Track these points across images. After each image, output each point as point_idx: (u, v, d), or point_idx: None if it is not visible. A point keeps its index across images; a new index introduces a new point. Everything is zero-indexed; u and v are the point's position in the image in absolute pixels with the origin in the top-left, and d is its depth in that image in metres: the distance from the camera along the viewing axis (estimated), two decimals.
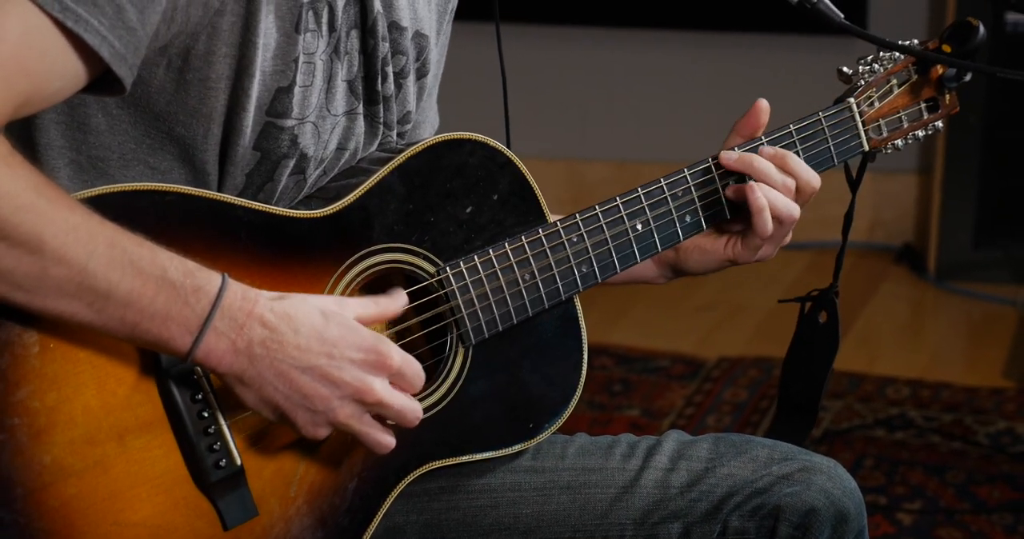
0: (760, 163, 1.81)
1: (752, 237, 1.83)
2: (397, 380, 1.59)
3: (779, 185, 1.81)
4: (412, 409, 1.60)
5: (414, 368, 1.60)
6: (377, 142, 1.77)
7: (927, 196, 4.24)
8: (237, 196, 1.66)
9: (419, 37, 1.78)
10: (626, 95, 4.42)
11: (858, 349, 3.82)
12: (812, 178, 1.82)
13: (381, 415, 1.59)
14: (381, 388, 1.57)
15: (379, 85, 1.73)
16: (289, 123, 1.66)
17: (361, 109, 1.73)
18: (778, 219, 1.80)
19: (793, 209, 1.80)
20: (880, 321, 4.01)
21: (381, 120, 1.75)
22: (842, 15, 1.75)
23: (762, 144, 1.83)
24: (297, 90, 1.65)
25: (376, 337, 1.58)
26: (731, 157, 1.82)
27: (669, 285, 1.98)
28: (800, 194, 1.82)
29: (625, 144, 4.44)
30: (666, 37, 4.36)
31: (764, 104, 1.84)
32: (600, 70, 4.41)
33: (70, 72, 1.49)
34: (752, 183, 1.80)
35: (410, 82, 1.78)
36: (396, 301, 1.64)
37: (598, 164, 4.45)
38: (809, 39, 4.07)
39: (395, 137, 1.78)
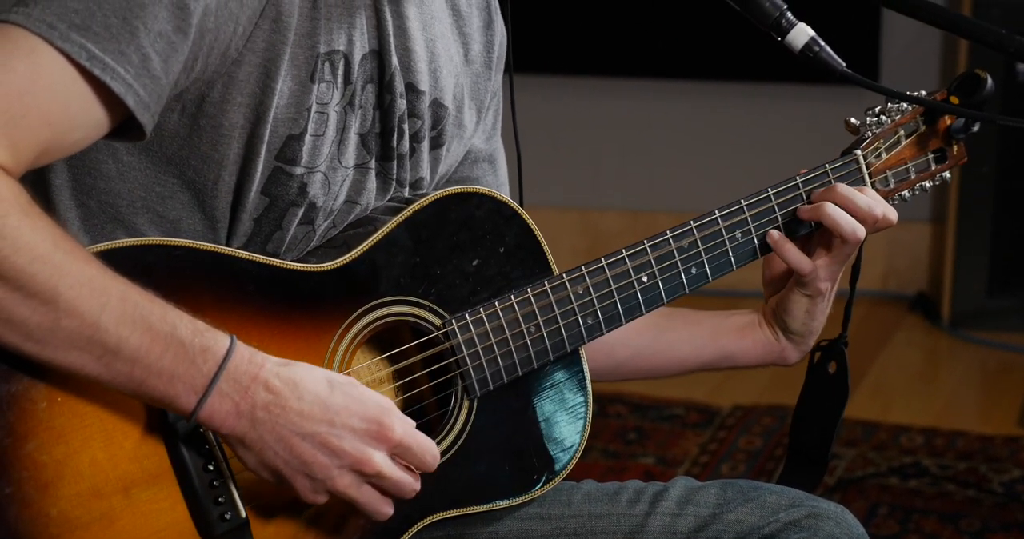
0: (841, 188, 1.82)
1: (837, 247, 1.83)
2: (402, 452, 1.59)
3: (862, 208, 1.81)
4: (409, 483, 1.60)
5: (423, 444, 1.60)
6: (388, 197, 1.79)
7: (940, 245, 4.24)
8: (246, 243, 1.68)
9: (437, 106, 1.79)
10: (640, 144, 4.43)
11: (872, 397, 3.81)
12: (890, 212, 1.84)
13: (380, 486, 1.60)
14: (380, 460, 1.57)
15: (394, 141, 1.75)
16: (298, 171, 1.67)
17: (373, 164, 1.75)
18: (844, 239, 1.81)
19: (858, 229, 1.81)
20: (894, 369, 4.01)
21: (394, 176, 1.76)
22: (844, 64, 1.76)
23: (769, 195, 1.85)
24: (308, 138, 1.67)
25: (380, 409, 1.58)
26: (805, 208, 1.83)
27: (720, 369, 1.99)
28: (876, 223, 1.83)
29: (639, 193, 4.45)
30: (680, 87, 4.37)
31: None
32: (614, 120, 4.42)
33: (93, 121, 1.51)
34: (824, 208, 1.81)
35: (424, 148, 1.79)
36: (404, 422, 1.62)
37: (612, 213, 4.46)
38: (820, 89, 4.09)
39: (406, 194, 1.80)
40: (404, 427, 1.59)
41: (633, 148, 4.44)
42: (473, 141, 1.87)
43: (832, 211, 1.81)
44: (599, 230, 4.45)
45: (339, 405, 1.56)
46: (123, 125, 1.53)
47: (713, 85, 4.36)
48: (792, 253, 1.84)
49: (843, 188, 1.83)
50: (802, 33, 1.74)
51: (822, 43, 1.75)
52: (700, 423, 3.68)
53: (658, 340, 1.91)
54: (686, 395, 3.81)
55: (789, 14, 1.74)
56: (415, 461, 1.60)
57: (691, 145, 4.41)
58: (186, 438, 1.57)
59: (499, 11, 1.86)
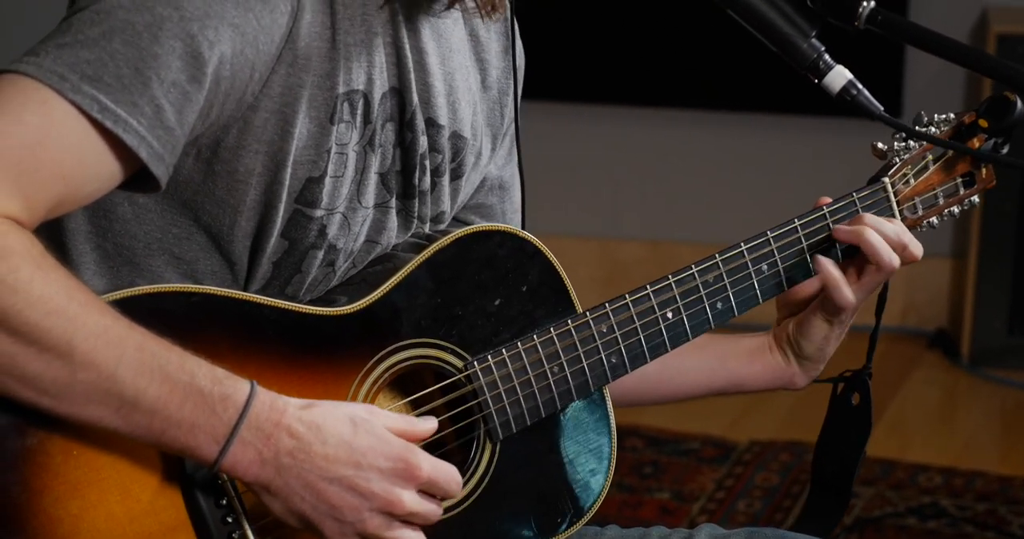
0: (870, 219, 1.82)
1: (870, 274, 1.81)
2: (429, 488, 1.58)
3: (891, 236, 1.81)
4: (436, 512, 1.59)
5: (448, 474, 1.59)
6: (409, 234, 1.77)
7: (961, 281, 4.22)
8: (265, 286, 1.66)
9: (456, 138, 1.77)
10: (659, 174, 4.42)
11: (890, 435, 3.79)
12: (918, 250, 1.83)
13: (409, 521, 1.58)
14: (409, 500, 1.56)
15: (416, 178, 1.73)
16: (318, 213, 1.66)
17: (394, 203, 1.73)
18: (879, 266, 1.80)
19: (894, 259, 1.80)
20: (912, 407, 3.98)
21: (416, 214, 1.74)
22: (882, 108, 1.74)
23: (796, 226, 1.83)
24: (328, 181, 1.65)
25: (405, 446, 1.56)
26: (843, 229, 1.82)
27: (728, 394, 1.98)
28: (903, 254, 1.83)
29: (658, 223, 4.44)
30: (700, 117, 4.37)
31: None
32: (633, 149, 4.41)
33: (106, 173, 1.49)
34: (864, 234, 1.79)
35: (445, 181, 1.77)
36: (427, 422, 1.62)
37: (631, 243, 4.44)
38: (842, 121, 4.08)
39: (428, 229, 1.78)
40: (430, 462, 1.58)
41: (652, 177, 4.42)
42: (488, 168, 1.86)
43: (872, 236, 1.79)
44: (617, 260, 4.43)
45: (364, 446, 1.54)
46: (138, 176, 1.52)
47: (733, 115, 4.35)
48: (841, 284, 1.81)
49: (871, 218, 1.82)
50: (840, 75, 1.72)
51: (860, 86, 1.73)
52: (717, 458, 3.66)
53: (666, 366, 1.89)
54: (703, 429, 3.79)
55: (827, 56, 1.71)
56: (441, 493, 1.60)
57: (710, 175, 4.40)
58: (204, 489, 1.55)
59: (519, 36, 1.84)
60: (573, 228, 4.32)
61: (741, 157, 4.38)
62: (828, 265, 1.81)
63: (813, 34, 1.70)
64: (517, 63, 1.83)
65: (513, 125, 1.86)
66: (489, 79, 1.81)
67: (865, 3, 1.68)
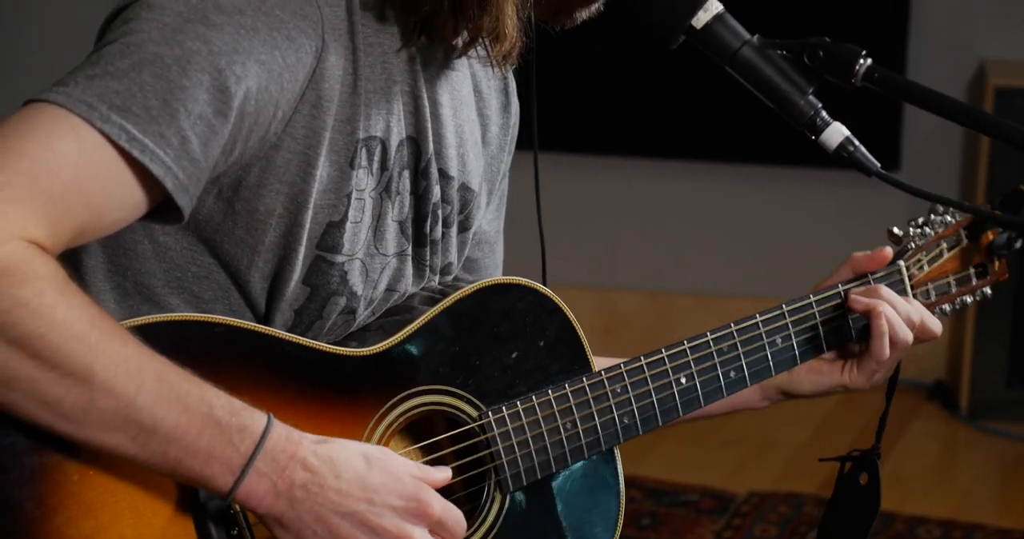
0: (886, 290, 1.84)
1: (869, 361, 1.84)
2: (437, 529, 1.59)
3: (903, 312, 1.83)
4: None
5: (456, 518, 1.60)
6: (422, 285, 1.78)
7: (960, 333, 4.22)
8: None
9: (465, 190, 1.78)
10: (658, 225, 4.43)
11: (888, 488, 3.73)
12: (936, 326, 1.85)
13: None
14: (420, 537, 1.57)
15: (427, 227, 1.74)
16: (339, 259, 1.66)
17: (411, 251, 1.74)
18: (893, 342, 1.82)
19: (908, 335, 1.82)
20: (911, 459, 3.98)
21: (427, 263, 1.76)
22: (879, 164, 1.75)
23: (811, 302, 1.85)
24: (348, 226, 1.66)
25: (417, 485, 1.57)
26: (858, 300, 1.84)
27: (698, 418, 1.97)
28: (920, 334, 1.85)
29: (657, 274, 4.44)
30: (699, 168, 4.38)
31: (888, 254, 1.89)
32: (633, 200, 4.42)
33: (131, 202, 1.50)
34: (878, 307, 1.81)
35: (453, 232, 1.78)
36: (441, 471, 1.62)
37: (630, 294, 4.45)
38: (841, 173, 4.08)
39: (438, 282, 1.79)
40: (441, 503, 1.58)
41: (651, 228, 4.43)
42: (480, 222, 1.87)
43: (886, 310, 1.81)
44: (616, 310, 4.43)
45: (377, 482, 1.55)
46: (161, 207, 1.53)
47: (732, 167, 4.36)
48: (887, 345, 1.83)
49: (886, 291, 1.84)
50: (837, 133, 1.72)
51: (856, 143, 1.73)
52: (715, 510, 3.65)
53: None
54: (701, 481, 3.78)
55: (824, 113, 1.72)
56: (449, 536, 1.60)
57: (709, 226, 4.41)
58: (216, 518, 1.55)
59: (515, 93, 1.86)
60: (572, 277, 4.32)
61: (740, 208, 4.39)
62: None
63: (810, 91, 1.71)
64: (512, 121, 1.86)
65: (505, 181, 1.88)
66: (489, 134, 1.83)
67: (862, 60, 1.68)
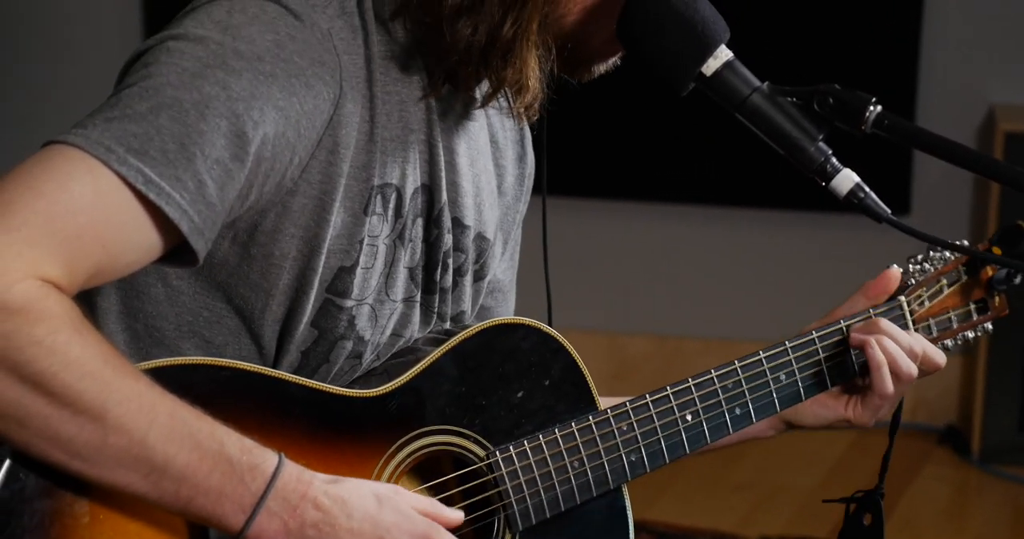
0: (886, 323, 1.84)
1: (872, 396, 1.85)
2: None
3: (904, 344, 1.83)
4: None
5: None
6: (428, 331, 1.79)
7: (971, 377, 4.22)
8: (293, 374, 1.66)
9: (480, 239, 1.79)
10: (668, 269, 4.44)
11: (900, 532, 3.77)
12: (939, 357, 1.85)
13: None
14: None
15: (438, 275, 1.75)
16: (348, 303, 1.67)
17: (419, 298, 1.75)
18: (896, 376, 1.82)
19: (912, 368, 1.82)
20: (922, 504, 3.97)
21: (435, 310, 1.76)
22: (889, 211, 1.75)
23: (814, 338, 1.85)
24: (359, 271, 1.67)
25: (428, 524, 1.58)
26: (858, 337, 1.84)
27: (709, 462, 1.98)
28: (923, 365, 1.85)
29: (666, 318, 4.45)
30: (708, 213, 4.39)
31: (895, 272, 1.90)
32: (642, 244, 4.43)
33: (146, 244, 1.51)
34: (870, 339, 1.82)
35: (467, 282, 1.79)
36: (455, 513, 1.63)
37: (639, 338, 4.45)
38: (851, 217, 4.06)
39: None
40: None
41: (661, 273, 4.44)
42: (495, 271, 1.88)
43: (884, 342, 1.82)
44: (626, 354, 4.43)
45: (389, 522, 1.56)
46: (176, 250, 1.54)
47: (742, 211, 4.37)
48: (888, 379, 1.83)
49: (886, 324, 1.84)
50: (847, 179, 1.71)
51: (867, 189, 1.72)
52: None
53: None
54: (712, 524, 3.77)
55: (834, 160, 1.71)
56: None
57: (719, 270, 4.41)
58: None
59: (531, 144, 1.87)
60: (581, 321, 4.33)
61: (750, 253, 4.39)
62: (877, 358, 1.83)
63: (820, 137, 1.70)
64: (528, 171, 1.87)
65: (518, 230, 1.89)
66: (504, 184, 1.84)
67: (872, 108, 1.68)
